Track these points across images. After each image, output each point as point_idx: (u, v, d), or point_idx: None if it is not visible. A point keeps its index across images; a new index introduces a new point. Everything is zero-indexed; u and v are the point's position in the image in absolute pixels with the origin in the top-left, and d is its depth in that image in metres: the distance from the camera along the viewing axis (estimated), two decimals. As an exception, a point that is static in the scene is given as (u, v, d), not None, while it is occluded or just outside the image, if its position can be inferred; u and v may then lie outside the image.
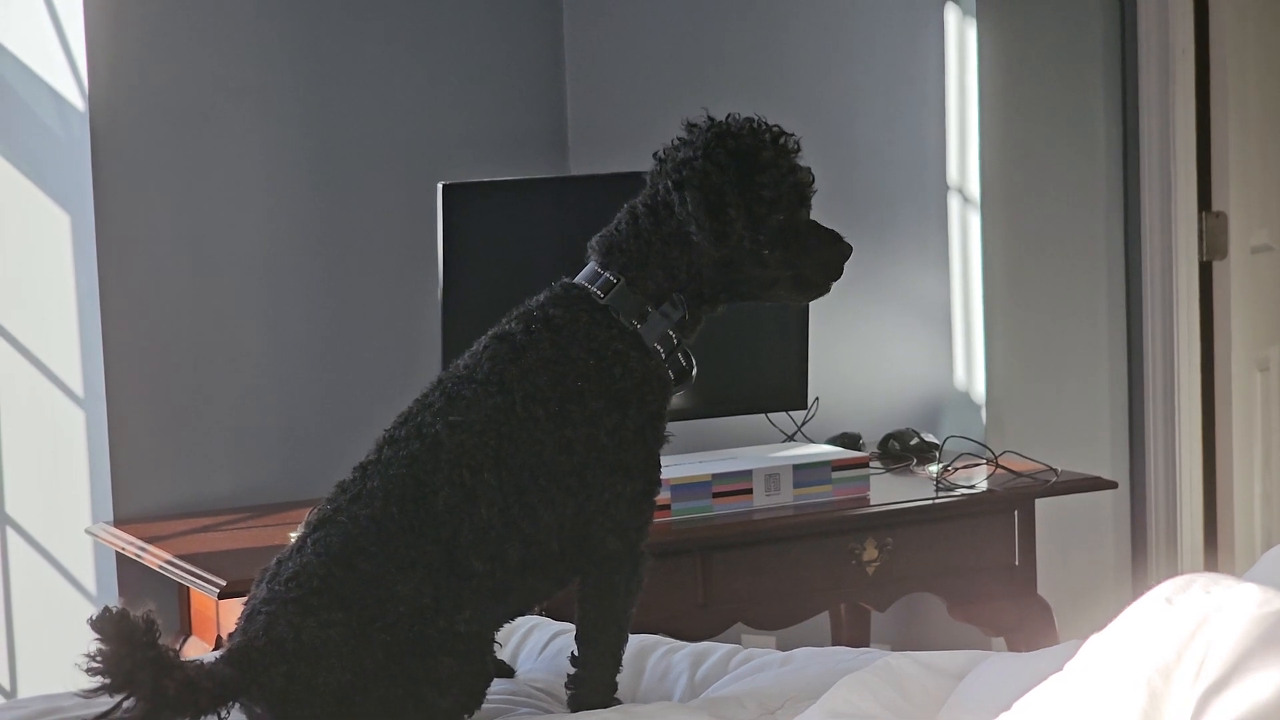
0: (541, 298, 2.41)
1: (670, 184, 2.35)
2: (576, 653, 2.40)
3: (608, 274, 2.39)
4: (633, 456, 2.37)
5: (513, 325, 2.38)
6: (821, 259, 2.41)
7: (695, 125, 2.40)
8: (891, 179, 4.14)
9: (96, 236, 3.86)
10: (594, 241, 2.43)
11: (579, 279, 2.41)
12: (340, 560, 2.24)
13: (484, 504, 2.28)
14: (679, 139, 2.40)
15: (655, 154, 2.41)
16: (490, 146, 4.29)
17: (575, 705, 2.39)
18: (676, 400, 3.73)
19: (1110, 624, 1.72)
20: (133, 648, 2.10)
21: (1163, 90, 4.11)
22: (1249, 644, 1.61)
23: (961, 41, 3.98)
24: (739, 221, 2.34)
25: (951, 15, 3.99)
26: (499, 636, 2.47)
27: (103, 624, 2.11)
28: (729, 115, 2.41)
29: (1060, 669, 1.78)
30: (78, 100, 3.87)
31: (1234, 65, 4.22)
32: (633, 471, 2.37)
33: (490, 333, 2.40)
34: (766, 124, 2.40)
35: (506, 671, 2.53)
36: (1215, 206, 4.23)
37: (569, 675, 2.40)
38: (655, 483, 2.40)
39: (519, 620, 2.68)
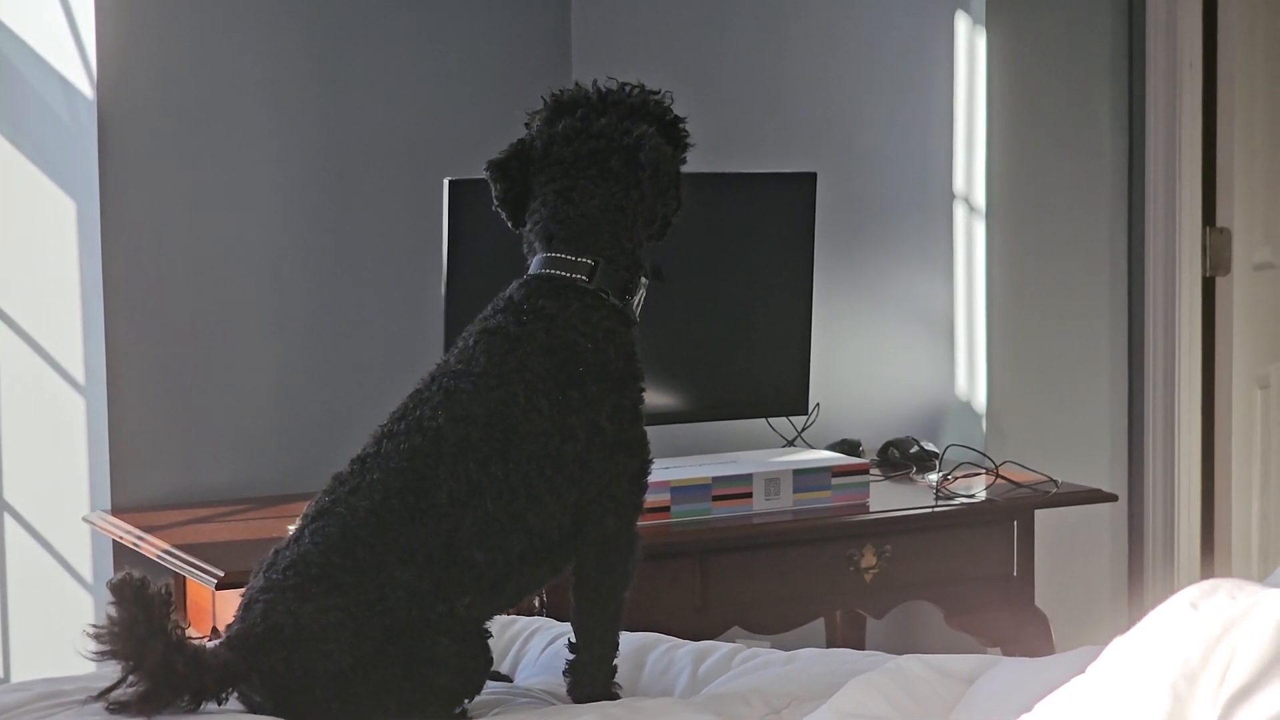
0: (519, 290, 2.39)
1: (675, 155, 2.45)
2: (573, 638, 2.39)
3: (582, 258, 2.39)
4: (632, 434, 2.38)
5: (501, 319, 2.37)
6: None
7: (650, 93, 2.51)
8: (897, 186, 4.14)
9: (101, 224, 3.86)
10: (548, 229, 2.41)
11: (546, 270, 2.39)
12: (338, 549, 2.23)
13: (489, 497, 2.28)
14: (612, 110, 2.46)
15: (580, 129, 2.45)
16: (498, 143, 4.26)
17: (576, 692, 2.37)
18: (678, 403, 3.77)
19: (1133, 627, 1.72)
20: (148, 616, 2.09)
21: (1169, 104, 4.10)
22: (1275, 650, 1.60)
23: (971, 50, 3.99)
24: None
25: (961, 24, 3.99)
26: (500, 638, 2.46)
27: (122, 589, 2.09)
28: (639, 86, 2.52)
29: (1077, 674, 1.77)
30: (86, 88, 3.86)
31: (1241, 80, 4.22)
32: (633, 448, 2.39)
33: (477, 328, 2.38)
34: None
35: (503, 680, 2.50)
36: (1219, 222, 4.22)
37: (567, 662, 2.39)
38: (650, 458, 2.42)
39: (520, 623, 2.67)
